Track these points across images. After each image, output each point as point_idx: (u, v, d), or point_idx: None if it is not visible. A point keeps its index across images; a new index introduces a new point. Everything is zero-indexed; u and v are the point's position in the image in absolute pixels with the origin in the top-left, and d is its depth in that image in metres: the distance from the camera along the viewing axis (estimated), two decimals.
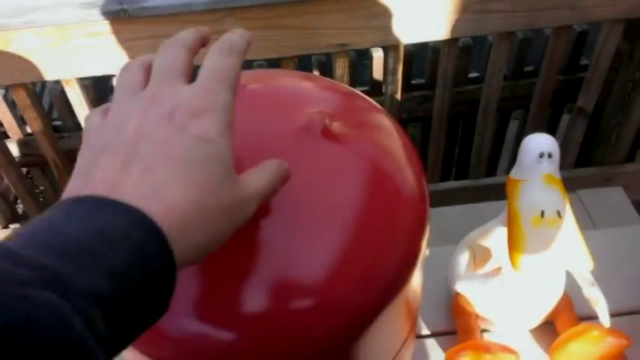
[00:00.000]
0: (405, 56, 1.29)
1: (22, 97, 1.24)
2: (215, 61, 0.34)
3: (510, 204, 0.61)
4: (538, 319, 0.70)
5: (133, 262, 0.26)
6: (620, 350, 0.65)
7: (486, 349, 0.65)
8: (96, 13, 1.07)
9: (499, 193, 0.70)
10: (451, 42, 1.23)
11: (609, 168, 1.51)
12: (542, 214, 0.59)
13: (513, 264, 0.59)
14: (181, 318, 0.38)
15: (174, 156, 0.30)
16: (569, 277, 0.67)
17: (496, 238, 0.67)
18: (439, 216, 1.19)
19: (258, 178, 0.34)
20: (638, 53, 1.31)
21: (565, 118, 1.61)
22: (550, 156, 0.60)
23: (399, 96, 1.36)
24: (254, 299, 0.38)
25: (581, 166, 1.54)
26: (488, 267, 0.69)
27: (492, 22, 1.17)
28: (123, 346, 0.27)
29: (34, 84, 1.50)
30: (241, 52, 0.35)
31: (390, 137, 0.47)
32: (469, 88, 1.55)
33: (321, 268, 0.39)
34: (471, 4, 1.13)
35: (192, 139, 0.30)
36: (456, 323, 0.71)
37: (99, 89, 1.40)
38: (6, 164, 1.37)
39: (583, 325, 0.66)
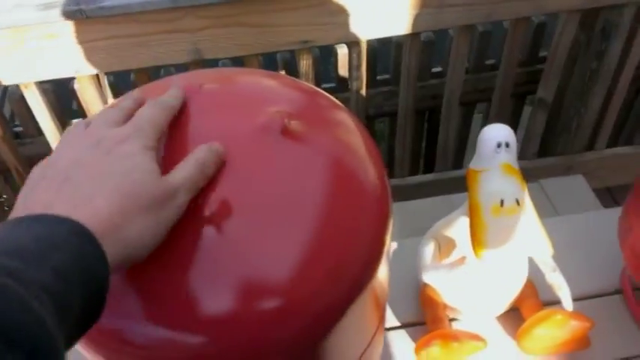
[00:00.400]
0: (369, 52, 1.29)
1: None
2: (146, 109, 0.41)
3: (471, 194, 0.62)
4: (503, 305, 0.71)
5: (73, 261, 0.30)
6: (584, 333, 0.67)
7: (454, 337, 0.66)
8: (53, 15, 1.05)
9: (465, 185, 0.71)
10: (413, 36, 1.25)
11: (570, 157, 1.54)
12: (502, 202, 0.60)
13: (476, 253, 0.60)
14: (145, 324, 0.37)
15: (100, 172, 0.35)
16: (532, 264, 0.69)
17: (459, 228, 0.68)
18: (409, 209, 1.21)
19: (182, 168, 0.38)
20: (594, 43, 1.34)
21: (527, 110, 1.64)
22: (507, 145, 0.61)
23: (364, 92, 1.37)
24: (218, 301, 0.38)
25: (544, 156, 1.58)
26: (453, 257, 0.70)
27: (452, 15, 1.18)
28: (70, 341, 0.30)
29: None
30: (172, 107, 0.42)
31: (351, 134, 0.47)
32: (433, 83, 1.57)
33: (286, 268, 0.39)
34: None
35: (116, 157, 0.36)
36: (425, 313, 0.72)
37: (58, 93, 1.37)
38: None
39: (547, 310, 0.67)
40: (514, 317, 0.72)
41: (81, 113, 1.51)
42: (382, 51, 1.49)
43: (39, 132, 1.49)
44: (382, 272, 0.46)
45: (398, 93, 1.43)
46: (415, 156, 1.73)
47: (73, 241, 0.31)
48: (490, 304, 0.70)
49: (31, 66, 1.13)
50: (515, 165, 0.62)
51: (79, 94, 1.43)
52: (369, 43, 1.29)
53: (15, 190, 1.60)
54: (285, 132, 0.42)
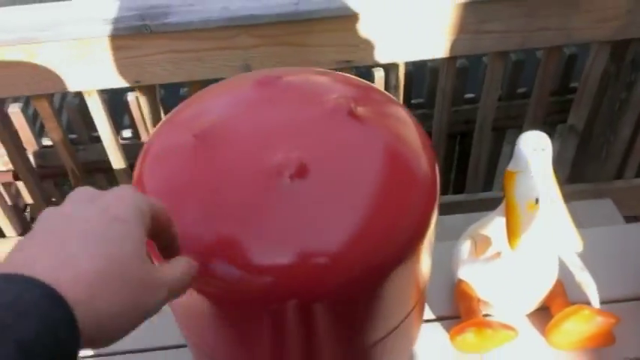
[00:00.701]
0: (405, 76, 1.37)
1: (44, 108, 1.30)
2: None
3: (508, 193, 0.67)
4: (534, 302, 0.76)
5: (41, 329, 0.28)
6: (609, 328, 0.72)
7: (488, 324, 0.71)
8: (119, 29, 1.14)
9: (495, 205, 0.76)
10: (450, 60, 1.32)
11: (600, 184, 1.58)
12: (537, 200, 0.65)
13: (511, 245, 0.66)
14: (232, 265, 0.44)
15: (91, 231, 0.34)
16: (562, 266, 0.74)
17: (495, 227, 0.74)
18: (444, 223, 1.26)
19: (170, 268, 0.38)
20: (624, 74, 1.39)
21: (556, 141, 1.69)
22: (543, 150, 0.67)
23: None
24: (290, 250, 0.44)
25: (573, 183, 1.62)
26: (488, 253, 0.75)
27: (488, 42, 1.25)
28: None
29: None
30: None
31: (406, 122, 0.54)
32: (466, 108, 1.64)
33: (347, 226, 0.45)
34: (467, 25, 1.21)
35: (109, 218, 0.35)
36: (460, 307, 0.77)
37: (112, 103, 1.47)
38: (25, 172, 1.43)
39: (575, 306, 0.72)
40: (544, 315, 0.77)
41: (132, 124, 1.61)
42: (416, 75, 1.57)
43: (91, 140, 1.60)
44: (427, 246, 0.52)
45: (432, 116, 1.49)
46: (447, 177, 1.78)
47: (43, 305, 0.29)
48: (521, 301, 0.75)
49: (94, 75, 1.22)
50: (550, 168, 0.67)
51: (131, 105, 1.53)
52: (407, 65, 1.36)
53: (63, 195, 1.69)
54: (351, 114, 0.49)
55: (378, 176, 0.48)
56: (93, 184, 1.49)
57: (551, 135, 1.70)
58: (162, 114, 1.43)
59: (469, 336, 0.71)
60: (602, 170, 1.56)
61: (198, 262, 0.41)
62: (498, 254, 0.72)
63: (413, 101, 1.63)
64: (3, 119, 1.39)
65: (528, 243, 0.65)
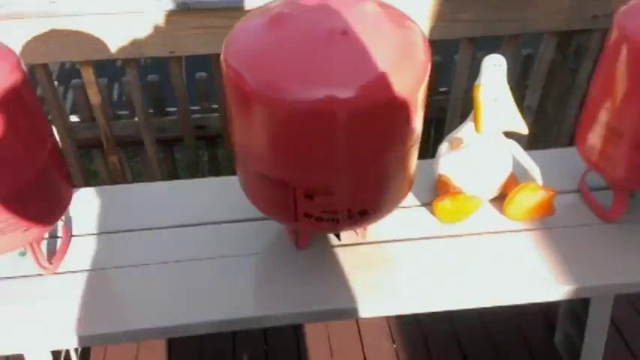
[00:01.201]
0: None
1: (88, 74, 1.54)
2: None
3: (475, 96, 0.95)
4: (495, 187, 1.02)
5: None
6: (550, 200, 0.98)
7: (461, 194, 0.97)
8: (163, 4, 1.40)
9: None
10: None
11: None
12: (495, 99, 0.93)
13: (477, 129, 0.93)
14: (299, 90, 0.69)
15: None
16: (515, 163, 1.01)
17: (465, 130, 1.01)
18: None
19: None
20: (569, 61, 1.70)
21: None
22: (500, 65, 0.94)
23: None
24: (337, 76, 0.70)
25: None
26: (460, 147, 1.02)
27: (460, 29, 1.55)
28: None
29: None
30: None
31: (411, 22, 0.80)
32: (439, 98, 1.93)
33: (379, 68, 0.71)
34: (445, 14, 1.50)
35: None
36: (440, 194, 1.03)
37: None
38: (65, 137, 1.66)
39: (525, 182, 0.98)
40: (502, 200, 1.03)
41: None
42: None
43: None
44: (421, 95, 0.77)
45: None
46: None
47: None
48: (486, 184, 1.01)
49: (137, 45, 1.48)
50: (504, 78, 0.95)
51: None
52: None
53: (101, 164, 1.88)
54: (374, 10, 0.76)
55: (391, 42, 0.74)
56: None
57: None
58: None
59: (447, 202, 0.97)
60: (554, 146, 1.86)
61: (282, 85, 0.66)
62: (463, 143, 0.99)
63: None
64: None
65: (489, 127, 0.92)
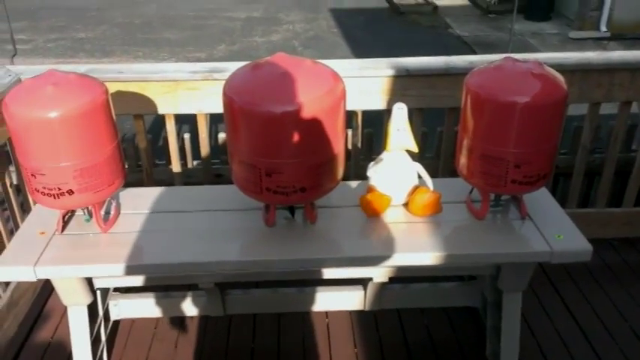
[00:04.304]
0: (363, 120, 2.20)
1: (139, 125, 2.12)
2: None
3: (388, 128, 1.47)
4: (404, 194, 1.51)
5: None
6: (437, 200, 1.47)
7: (377, 191, 1.47)
8: (196, 76, 2.00)
9: None
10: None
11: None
12: (398, 130, 1.45)
13: (387, 149, 1.44)
14: (266, 106, 1.22)
15: None
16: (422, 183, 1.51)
17: (384, 153, 1.52)
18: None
19: None
20: None
21: None
22: (402, 109, 1.47)
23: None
24: (293, 95, 1.23)
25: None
26: (379, 163, 1.52)
27: (409, 102, 2.09)
28: None
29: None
30: None
31: (328, 70, 1.35)
32: None
33: (307, 90, 1.24)
34: (396, 90, 2.06)
35: None
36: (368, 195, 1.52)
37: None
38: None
39: (420, 187, 1.48)
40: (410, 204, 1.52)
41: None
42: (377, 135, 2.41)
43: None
44: (342, 111, 1.30)
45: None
46: None
47: None
48: (395, 188, 1.51)
49: (175, 105, 2.05)
50: (406, 117, 1.47)
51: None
52: (363, 114, 2.19)
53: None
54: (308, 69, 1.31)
55: (318, 79, 1.28)
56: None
57: None
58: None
59: (368, 196, 1.47)
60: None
61: (253, 102, 1.20)
62: (381, 159, 1.50)
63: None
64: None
65: (395, 146, 1.44)
